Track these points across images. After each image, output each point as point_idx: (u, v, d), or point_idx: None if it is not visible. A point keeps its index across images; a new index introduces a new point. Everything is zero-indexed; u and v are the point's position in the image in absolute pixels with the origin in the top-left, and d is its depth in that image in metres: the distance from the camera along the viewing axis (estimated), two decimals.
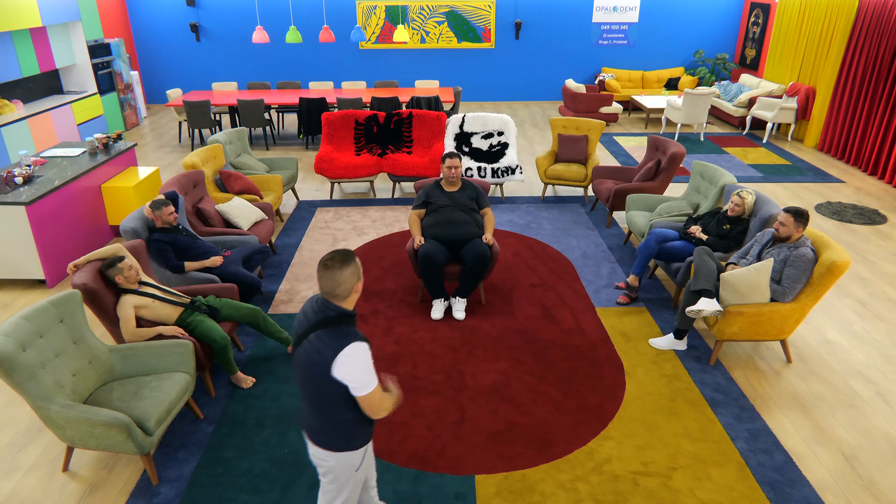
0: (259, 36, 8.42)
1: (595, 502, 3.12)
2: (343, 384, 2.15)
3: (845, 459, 3.42)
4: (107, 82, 10.01)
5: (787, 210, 3.96)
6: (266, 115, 10.54)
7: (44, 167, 5.75)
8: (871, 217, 6.81)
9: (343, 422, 2.24)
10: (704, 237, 4.73)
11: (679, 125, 9.97)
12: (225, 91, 10.24)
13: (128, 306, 3.61)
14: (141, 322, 3.73)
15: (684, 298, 4.24)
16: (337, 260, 2.15)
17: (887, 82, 7.97)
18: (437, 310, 4.75)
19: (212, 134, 9.82)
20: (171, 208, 4.39)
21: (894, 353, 4.39)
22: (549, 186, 7.79)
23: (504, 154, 7.26)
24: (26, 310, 3.11)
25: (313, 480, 3.24)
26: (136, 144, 6.63)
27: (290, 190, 7.29)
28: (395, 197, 7.42)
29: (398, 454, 3.41)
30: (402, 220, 6.68)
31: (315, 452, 2.33)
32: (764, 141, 9.85)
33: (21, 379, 2.88)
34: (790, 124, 10.16)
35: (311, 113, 9.04)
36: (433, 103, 8.80)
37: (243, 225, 5.34)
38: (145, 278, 3.85)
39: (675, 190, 7.64)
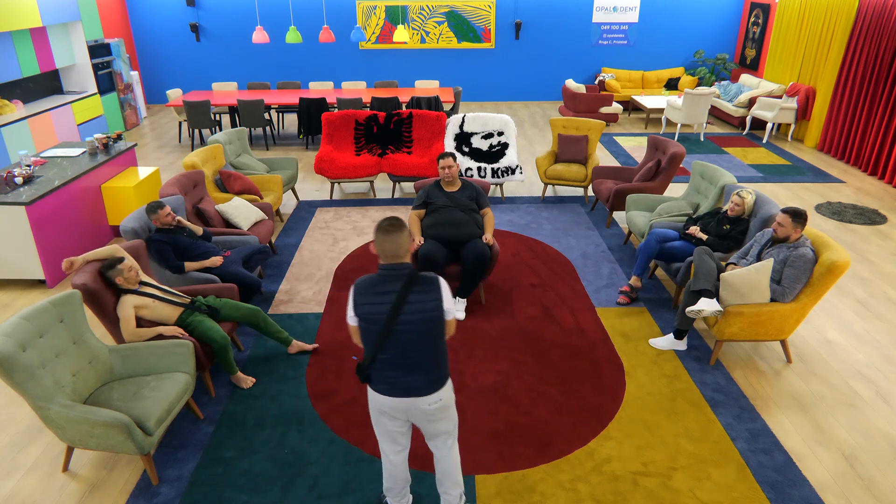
0: (259, 36, 8.42)
1: (595, 502, 3.12)
2: (445, 313, 2.53)
3: (845, 459, 3.42)
4: (107, 82, 10.01)
5: (784, 211, 3.96)
6: (266, 116, 10.54)
7: (44, 167, 5.75)
8: (871, 217, 6.81)
9: (443, 352, 2.61)
10: (704, 237, 4.73)
11: (679, 125, 9.97)
12: (225, 91, 10.24)
13: (128, 306, 3.61)
14: (141, 322, 3.73)
15: (684, 298, 4.24)
16: (395, 226, 2.46)
17: (887, 82, 7.97)
18: None
19: (212, 134, 9.82)
20: (167, 209, 4.38)
21: (894, 353, 4.39)
22: (549, 186, 7.79)
23: (504, 154, 7.26)
24: (26, 310, 3.11)
25: (313, 481, 3.24)
26: (136, 144, 6.64)
27: (290, 190, 7.29)
28: (395, 197, 7.42)
29: None
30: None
31: (432, 400, 2.58)
32: (764, 141, 9.85)
33: (21, 379, 2.88)
34: (790, 124, 10.16)
35: (311, 113, 9.04)
36: (433, 103, 8.80)
37: (243, 225, 5.34)
38: (145, 278, 3.85)
39: (675, 190, 7.64)
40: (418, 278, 2.49)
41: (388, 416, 2.64)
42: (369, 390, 2.64)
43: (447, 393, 2.64)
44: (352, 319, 2.57)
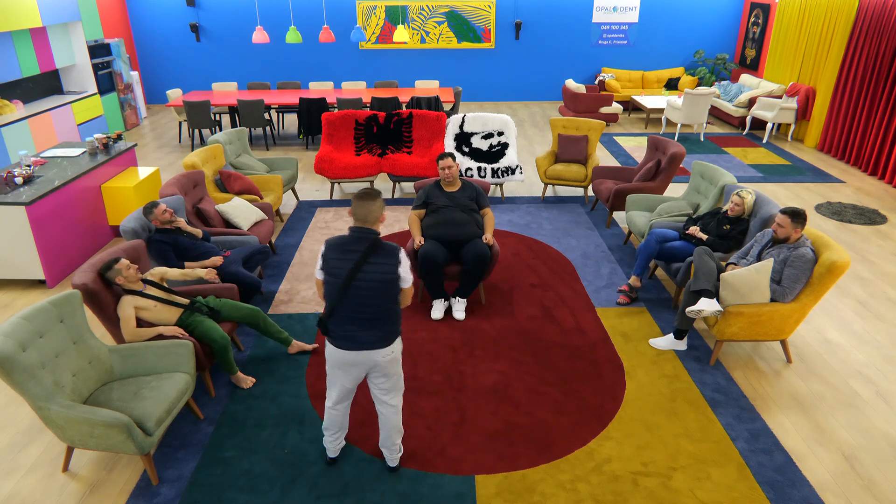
0: (259, 36, 8.42)
1: (595, 502, 3.12)
2: (399, 281, 2.85)
3: (845, 459, 3.42)
4: (107, 82, 10.01)
5: (783, 211, 3.96)
6: (266, 116, 10.54)
7: (44, 167, 5.75)
8: (871, 217, 6.81)
9: (396, 313, 2.94)
10: (704, 237, 4.73)
11: (679, 125, 9.97)
12: (225, 91, 10.24)
13: (128, 306, 3.61)
14: (141, 323, 3.73)
15: (684, 298, 4.24)
16: (370, 193, 2.84)
17: (887, 82, 7.97)
18: (437, 310, 4.75)
19: (212, 134, 9.82)
20: (163, 207, 4.38)
21: (894, 353, 4.39)
22: (549, 186, 7.79)
23: (504, 154, 7.26)
24: (26, 310, 3.11)
25: (313, 481, 3.24)
26: (136, 144, 6.64)
27: (290, 190, 7.29)
28: (395, 197, 7.42)
29: None
30: (402, 221, 6.68)
31: (384, 353, 2.94)
32: (764, 141, 9.85)
33: (21, 379, 2.88)
34: (790, 124, 10.16)
35: (311, 113, 9.04)
36: (433, 103, 8.80)
37: (243, 225, 5.34)
38: (149, 276, 3.84)
39: (675, 190, 7.64)
40: (381, 245, 2.84)
41: (343, 371, 2.99)
42: (328, 346, 2.97)
43: (397, 348, 3.02)
44: (319, 273, 2.91)
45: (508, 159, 7.19)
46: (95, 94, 9.42)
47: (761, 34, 11.45)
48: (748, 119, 10.21)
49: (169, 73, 12.27)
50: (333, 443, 3.30)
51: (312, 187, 7.79)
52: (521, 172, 7.12)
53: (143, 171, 6.36)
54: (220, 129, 9.94)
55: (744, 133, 10.40)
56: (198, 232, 4.63)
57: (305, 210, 6.98)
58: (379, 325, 2.88)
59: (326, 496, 3.15)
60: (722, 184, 5.24)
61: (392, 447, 3.26)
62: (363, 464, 3.36)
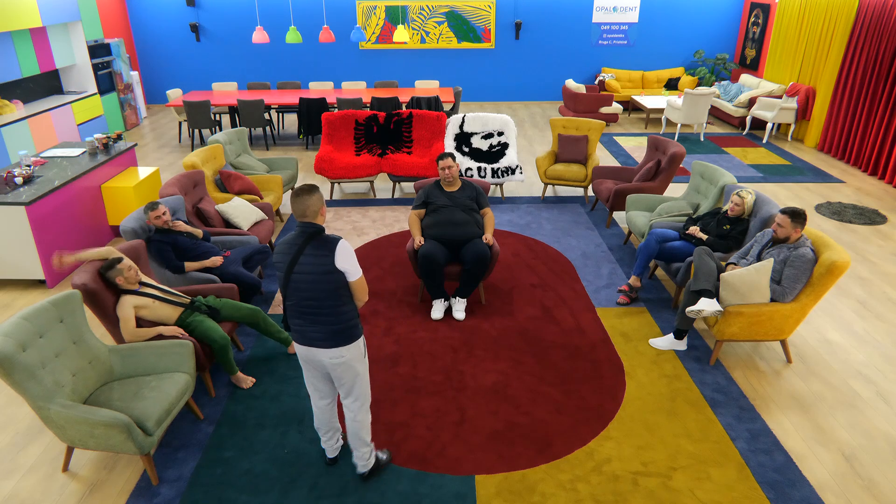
0: (259, 36, 8.42)
1: (595, 502, 3.12)
2: (342, 274, 2.76)
3: (845, 459, 3.42)
4: (107, 82, 10.01)
5: (783, 211, 3.96)
6: (266, 116, 10.54)
7: (44, 167, 5.75)
8: (871, 217, 6.81)
9: (347, 314, 2.83)
10: (704, 237, 4.73)
11: (679, 125, 9.97)
12: (225, 91, 10.24)
13: (128, 306, 3.61)
14: (141, 322, 3.73)
15: (684, 298, 4.24)
16: (304, 189, 2.80)
17: (887, 82, 7.97)
18: (437, 310, 4.75)
19: (212, 134, 9.82)
20: (161, 209, 4.37)
21: (894, 353, 4.39)
22: (549, 186, 7.79)
23: (504, 154, 7.26)
24: (26, 310, 3.11)
25: (313, 481, 3.24)
26: (136, 144, 6.64)
27: (290, 190, 7.29)
28: (395, 197, 7.42)
29: (398, 454, 3.41)
30: (402, 221, 6.68)
31: (331, 355, 2.84)
32: (764, 141, 9.85)
33: (21, 379, 2.88)
34: (790, 124, 10.16)
35: (311, 113, 9.04)
36: (433, 103, 8.80)
37: (243, 225, 5.34)
38: (145, 279, 3.85)
39: (675, 190, 7.64)
40: (318, 237, 2.77)
41: (304, 365, 2.99)
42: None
43: (352, 353, 2.88)
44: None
45: (508, 159, 7.19)
46: (95, 94, 9.42)
47: (761, 34, 11.45)
48: (748, 119, 10.21)
49: (169, 73, 12.27)
50: (328, 442, 3.28)
51: None
52: (521, 172, 7.12)
53: (143, 171, 6.36)
54: (220, 129, 9.94)
55: (744, 133, 10.40)
56: (198, 232, 4.63)
57: None
58: (325, 322, 2.81)
59: (326, 496, 3.15)
60: (722, 184, 5.24)
61: (356, 453, 3.17)
62: None
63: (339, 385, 2.97)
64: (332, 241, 2.77)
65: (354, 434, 3.11)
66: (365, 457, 3.17)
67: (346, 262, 2.77)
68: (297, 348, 2.94)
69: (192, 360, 3.50)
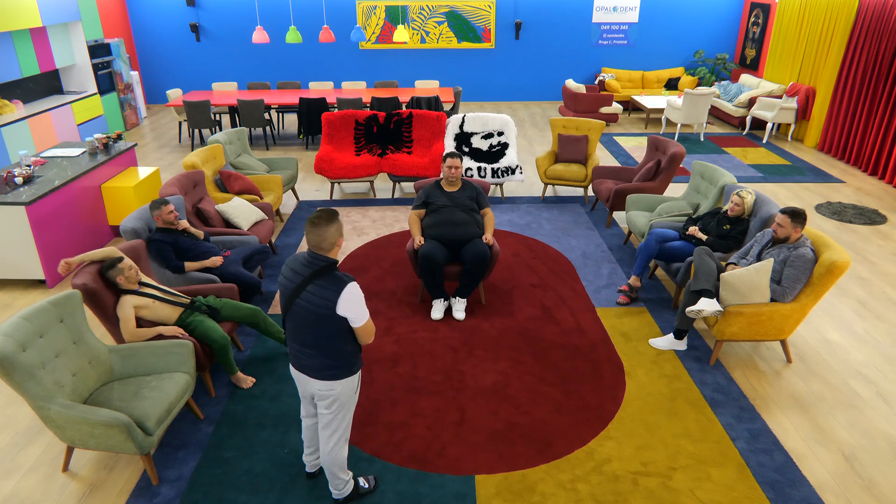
0: (259, 36, 8.42)
1: (595, 502, 3.12)
2: (345, 319, 2.58)
3: (845, 459, 3.42)
4: (107, 82, 10.01)
5: (783, 211, 3.96)
6: (266, 115, 10.54)
7: (44, 167, 5.75)
8: (871, 217, 6.81)
9: (346, 352, 2.69)
10: (704, 237, 4.73)
11: (679, 125, 9.97)
12: (225, 91, 10.24)
13: (128, 306, 3.61)
14: (141, 322, 3.73)
15: (684, 298, 4.24)
16: (323, 218, 2.56)
17: (887, 82, 7.97)
18: (437, 310, 4.75)
19: (212, 134, 9.82)
20: (170, 207, 4.39)
21: (894, 353, 4.39)
22: (549, 186, 7.79)
23: (504, 154, 7.26)
24: (26, 310, 3.10)
25: (313, 481, 3.24)
26: (136, 144, 6.64)
27: (290, 190, 7.29)
28: (395, 197, 7.42)
29: (398, 454, 3.41)
30: (402, 221, 6.68)
31: (320, 386, 2.72)
32: (764, 141, 9.85)
33: (21, 379, 2.88)
34: (790, 124, 10.16)
35: (311, 113, 9.04)
36: (433, 103, 8.80)
37: (243, 225, 5.33)
38: (145, 279, 3.85)
39: (675, 190, 7.64)
40: (326, 274, 2.57)
41: (295, 381, 2.89)
42: None
43: (344, 387, 2.74)
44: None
45: (508, 159, 7.19)
46: (95, 94, 9.42)
47: (761, 34, 11.45)
48: (748, 119, 10.21)
49: (169, 73, 12.27)
50: (309, 457, 3.19)
51: (312, 187, 7.79)
52: (521, 172, 7.12)
53: (143, 171, 6.36)
54: (220, 129, 9.94)
55: (744, 133, 10.40)
56: (200, 233, 4.63)
57: (305, 210, 6.98)
58: (319, 356, 2.66)
59: (326, 496, 3.15)
60: (722, 184, 5.24)
61: (330, 481, 3.01)
62: (363, 464, 3.35)
63: (320, 414, 2.84)
64: (340, 284, 2.53)
65: (327, 466, 2.95)
66: (339, 486, 3.04)
67: (351, 309, 2.56)
68: (291, 368, 2.85)
69: (192, 360, 3.50)
